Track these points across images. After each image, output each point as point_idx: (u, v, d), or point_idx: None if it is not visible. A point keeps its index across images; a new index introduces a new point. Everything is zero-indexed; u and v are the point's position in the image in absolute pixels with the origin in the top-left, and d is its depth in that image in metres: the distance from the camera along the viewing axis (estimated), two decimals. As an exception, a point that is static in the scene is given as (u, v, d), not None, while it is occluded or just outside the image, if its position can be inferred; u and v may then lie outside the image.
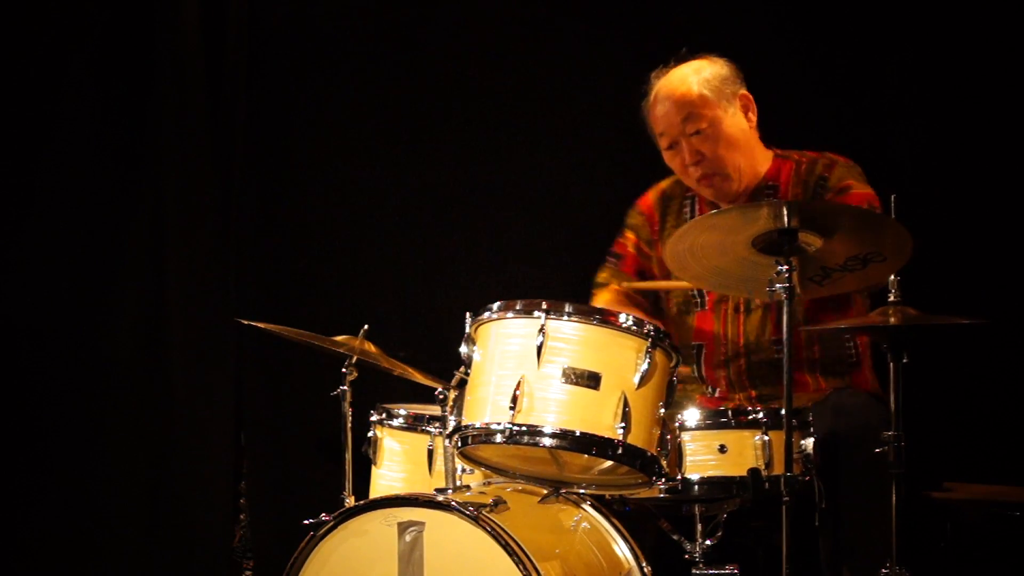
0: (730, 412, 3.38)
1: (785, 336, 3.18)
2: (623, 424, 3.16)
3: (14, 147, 4.67)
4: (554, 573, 3.16)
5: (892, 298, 3.38)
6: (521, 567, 3.07)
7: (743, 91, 3.90)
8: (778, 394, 3.33)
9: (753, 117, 3.91)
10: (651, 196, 4.10)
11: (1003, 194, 4.32)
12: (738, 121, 3.88)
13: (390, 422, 3.82)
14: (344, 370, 3.89)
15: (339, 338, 3.88)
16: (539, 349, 3.19)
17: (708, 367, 3.91)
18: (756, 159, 3.92)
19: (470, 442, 3.27)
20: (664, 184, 4.09)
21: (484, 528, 3.12)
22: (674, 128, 3.86)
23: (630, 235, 4.10)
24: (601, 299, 4.03)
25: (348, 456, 3.86)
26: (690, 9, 4.59)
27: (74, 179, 4.73)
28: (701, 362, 3.91)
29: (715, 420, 3.37)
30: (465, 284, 4.73)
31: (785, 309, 3.18)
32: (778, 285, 3.18)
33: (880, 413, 3.60)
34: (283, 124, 4.97)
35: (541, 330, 3.20)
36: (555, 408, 3.18)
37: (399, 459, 3.82)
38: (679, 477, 3.33)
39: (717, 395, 3.89)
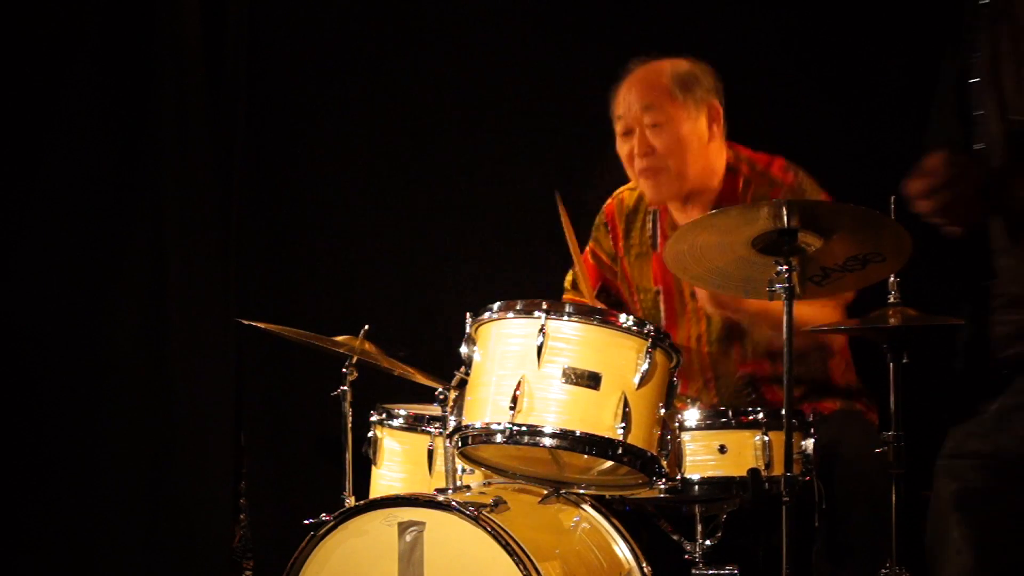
0: (730, 412, 3.39)
1: (785, 336, 3.18)
2: (623, 424, 3.16)
3: (14, 148, 4.65)
4: (554, 573, 3.16)
5: (892, 298, 3.38)
6: (521, 567, 3.06)
7: (714, 102, 3.84)
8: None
9: (717, 130, 3.84)
10: (612, 205, 4.10)
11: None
12: (698, 127, 3.82)
13: (390, 422, 3.82)
14: (344, 370, 3.89)
15: (339, 338, 3.89)
16: (539, 349, 3.19)
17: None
18: (708, 170, 3.86)
19: (470, 442, 3.28)
20: (624, 193, 4.08)
21: (484, 528, 3.12)
22: (632, 114, 3.83)
23: (591, 243, 4.13)
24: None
25: (348, 456, 3.86)
26: (689, 10, 4.59)
27: (74, 179, 4.71)
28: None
29: (715, 420, 3.39)
30: (465, 284, 4.73)
31: (785, 309, 3.18)
32: (778, 285, 3.18)
33: (868, 429, 3.67)
34: (283, 124, 4.97)
35: (541, 330, 3.20)
36: (555, 408, 3.19)
37: (399, 459, 3.82)
38: (679, 477, 3.34)
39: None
